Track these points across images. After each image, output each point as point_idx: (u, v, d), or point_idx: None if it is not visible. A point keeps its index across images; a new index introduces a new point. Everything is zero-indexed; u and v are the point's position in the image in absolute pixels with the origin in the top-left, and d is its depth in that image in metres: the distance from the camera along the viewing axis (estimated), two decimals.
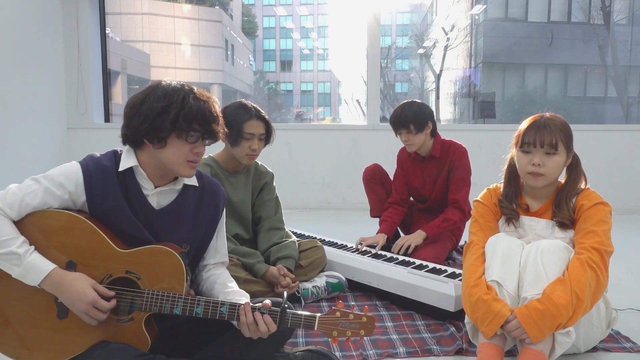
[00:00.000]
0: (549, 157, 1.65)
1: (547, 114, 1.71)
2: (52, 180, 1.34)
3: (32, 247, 1.30)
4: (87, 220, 1.34)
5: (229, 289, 1.48)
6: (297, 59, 27.68)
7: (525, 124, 1.71)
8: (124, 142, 1.42)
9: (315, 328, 1.34)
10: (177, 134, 1.34)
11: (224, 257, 1.61)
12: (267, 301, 1.37)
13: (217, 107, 1.42)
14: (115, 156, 1.42)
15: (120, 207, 1.37)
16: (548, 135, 1.63)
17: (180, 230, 1.46)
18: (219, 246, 1.59)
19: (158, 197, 1.44)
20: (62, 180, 1.34)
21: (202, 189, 1.51)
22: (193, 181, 1.50)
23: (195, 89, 1.40)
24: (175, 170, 1.39)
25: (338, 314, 1.34)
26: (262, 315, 1.33)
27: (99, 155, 1.42)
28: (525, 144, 1.67)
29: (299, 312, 1.36)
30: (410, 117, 2.57)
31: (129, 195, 1.39)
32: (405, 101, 2.67)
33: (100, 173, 1.37)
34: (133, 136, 1.38)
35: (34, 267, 1.27)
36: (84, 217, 1.34)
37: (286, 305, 1.35)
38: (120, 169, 1.38)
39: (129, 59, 16.21)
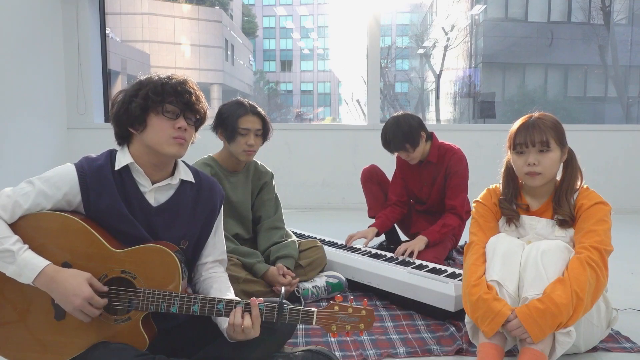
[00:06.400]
0: (543, 155, 1.66)
1: (536, 114, 1.73)
2: (47, 182, 1.34)
3: (26, 246, 1.29)
4: (81, 222, 1.34)
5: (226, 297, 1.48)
6: (297, 59, 27.70)
7: (515, 125, 1.74)
8: (117, 141, 1.46)
9: (314, 323, 1.33)
10: (153, 110, 1.37)
11: (222, 255, 1.61)
12: (260, 298, 1.37)
13: (194, 85, 1.44)
14: (111, 155, 1.43)
15: (116, 205, 1.37)
16: (538, 134, 1.65)
17: (178, 226, 1.46)
18: (217, 243, 1.59)
19: (156, 193, 1.44)
20: (57, 181, 1.35)
21: (199, 185, 1.52)
22: (190, 177, 1.50)
23: (172, 74, 1.42)
24: (163, 151, 1.39)
25: (336, 308, 1.34)
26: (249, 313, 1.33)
27: (94, 156, 1.43)
28: (517, 145, 1.69)
29: (297, 306, 1.36)
30: (403, 139, 2.51)
31: (127, 193, 1.40)
32: (390, 121, 2.57)
33: (94, 172, 1.37)
34: (118, 128, 1.42)
35: (28, 263, 1.26)
36: (78, 219, 1.34)
37: (283, 301, 1.35)
38: (117, 167, 1.39)
39: (129, 59, 16.19)
